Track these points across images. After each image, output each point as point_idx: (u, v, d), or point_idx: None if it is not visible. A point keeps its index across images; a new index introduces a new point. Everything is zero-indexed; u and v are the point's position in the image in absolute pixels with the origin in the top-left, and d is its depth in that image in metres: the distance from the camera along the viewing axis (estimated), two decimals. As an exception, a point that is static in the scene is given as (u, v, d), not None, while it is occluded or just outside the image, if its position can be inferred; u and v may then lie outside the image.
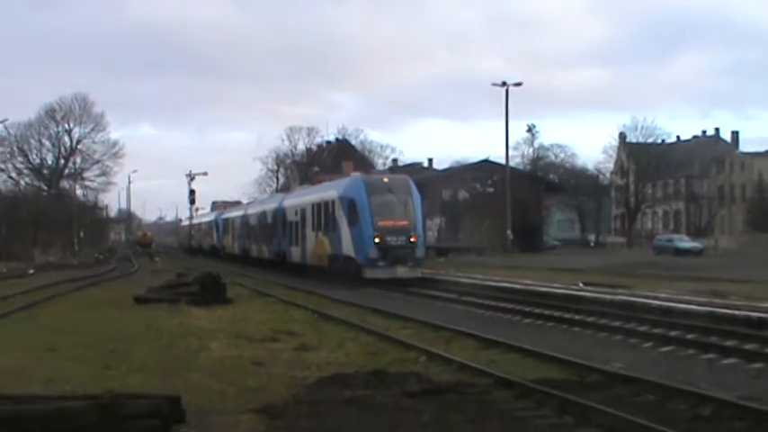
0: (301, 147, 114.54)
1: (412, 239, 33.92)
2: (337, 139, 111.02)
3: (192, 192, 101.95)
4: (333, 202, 36.98)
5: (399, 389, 12.09)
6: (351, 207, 34.74)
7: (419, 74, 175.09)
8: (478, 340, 17.48)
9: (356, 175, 41.62)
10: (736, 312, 20.11)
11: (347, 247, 34.90)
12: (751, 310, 20.25)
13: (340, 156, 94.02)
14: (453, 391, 11.94)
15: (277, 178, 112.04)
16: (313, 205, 40.49)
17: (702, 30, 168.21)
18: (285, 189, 72.66)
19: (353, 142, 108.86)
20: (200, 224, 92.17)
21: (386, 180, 36.69)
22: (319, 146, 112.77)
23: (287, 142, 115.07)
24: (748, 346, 16.18)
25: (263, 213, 54.21)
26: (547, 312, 23.16)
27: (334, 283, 34.78)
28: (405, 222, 34.33)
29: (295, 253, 43.82)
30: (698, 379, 12.82)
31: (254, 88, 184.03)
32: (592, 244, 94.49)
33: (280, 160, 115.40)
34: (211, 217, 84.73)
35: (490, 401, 11.54)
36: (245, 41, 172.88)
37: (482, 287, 30.78)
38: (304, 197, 44.53)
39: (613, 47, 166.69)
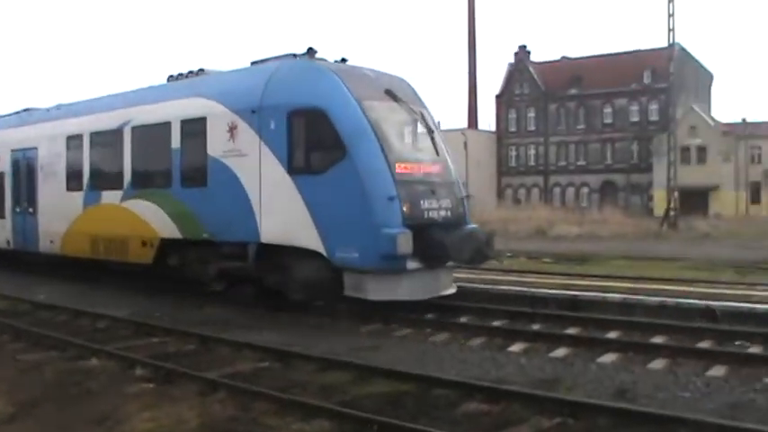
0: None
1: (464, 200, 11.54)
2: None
3: None
4: (204, 122, 12.07)
5: None
6: (317, 130, 10.44)
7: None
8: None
9: (300, 58, 11.53)
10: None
11: (297, 229, 10.50)
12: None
13: None
14: None
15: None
16: (86, 136, 15.18)
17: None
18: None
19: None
20: None
21: (372, 76, 11.48)
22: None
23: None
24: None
25: None
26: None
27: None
28: (439, 164, 11.31)
29: None
30: (124, 306, 12.43)
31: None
32: None
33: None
34: None
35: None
36: None
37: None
38: (34, 125, 17.27)
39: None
